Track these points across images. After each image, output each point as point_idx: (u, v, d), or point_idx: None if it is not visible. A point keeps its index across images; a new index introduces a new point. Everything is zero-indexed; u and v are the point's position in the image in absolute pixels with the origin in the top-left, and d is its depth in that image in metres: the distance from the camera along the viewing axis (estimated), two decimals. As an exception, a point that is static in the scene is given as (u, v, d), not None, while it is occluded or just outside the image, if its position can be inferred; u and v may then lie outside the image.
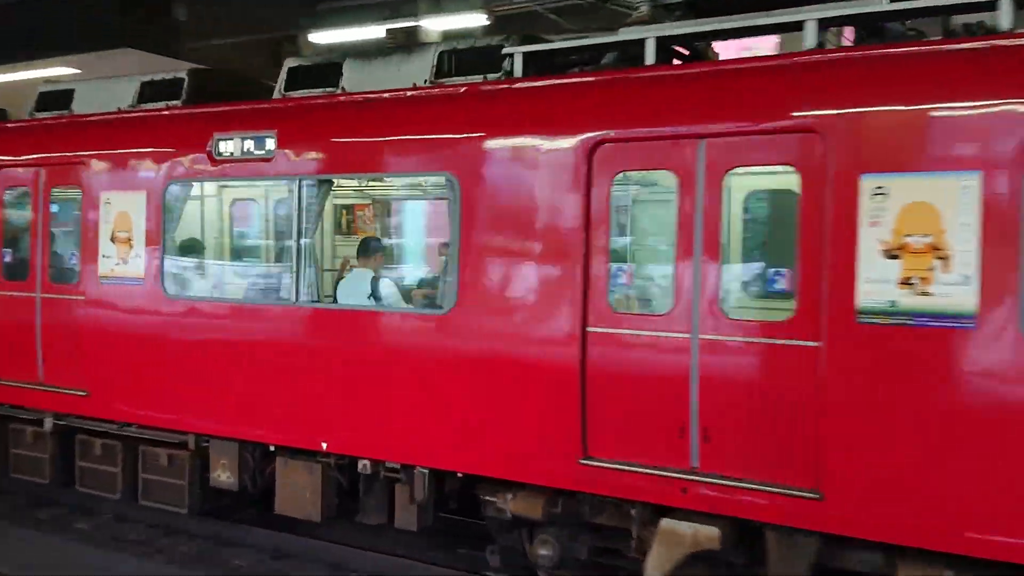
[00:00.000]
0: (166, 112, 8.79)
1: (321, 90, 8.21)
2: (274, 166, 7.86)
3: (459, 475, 7.15)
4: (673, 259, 6.16)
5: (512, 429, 6.71)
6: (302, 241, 7.70)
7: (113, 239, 8.80)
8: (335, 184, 8.25)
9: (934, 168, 5.32)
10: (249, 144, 8.01)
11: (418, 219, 11.25)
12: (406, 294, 8.30)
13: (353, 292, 7.90)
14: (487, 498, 7.14)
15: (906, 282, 5.38)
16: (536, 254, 6.62)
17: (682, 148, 6.10)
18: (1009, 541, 5.13)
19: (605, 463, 6.37)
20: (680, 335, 6.11)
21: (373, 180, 8.33)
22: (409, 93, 7.46)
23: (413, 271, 8.49)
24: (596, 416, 6.41)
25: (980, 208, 5.16)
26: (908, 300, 5.36)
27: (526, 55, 7.12)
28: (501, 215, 6.79)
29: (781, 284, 5.81)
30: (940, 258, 5.27)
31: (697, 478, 6.05)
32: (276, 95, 8.54)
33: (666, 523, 6.25)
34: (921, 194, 5.32)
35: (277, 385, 7.77)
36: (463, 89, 7.24)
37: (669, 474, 6.13)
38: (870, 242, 5.46)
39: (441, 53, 7.71)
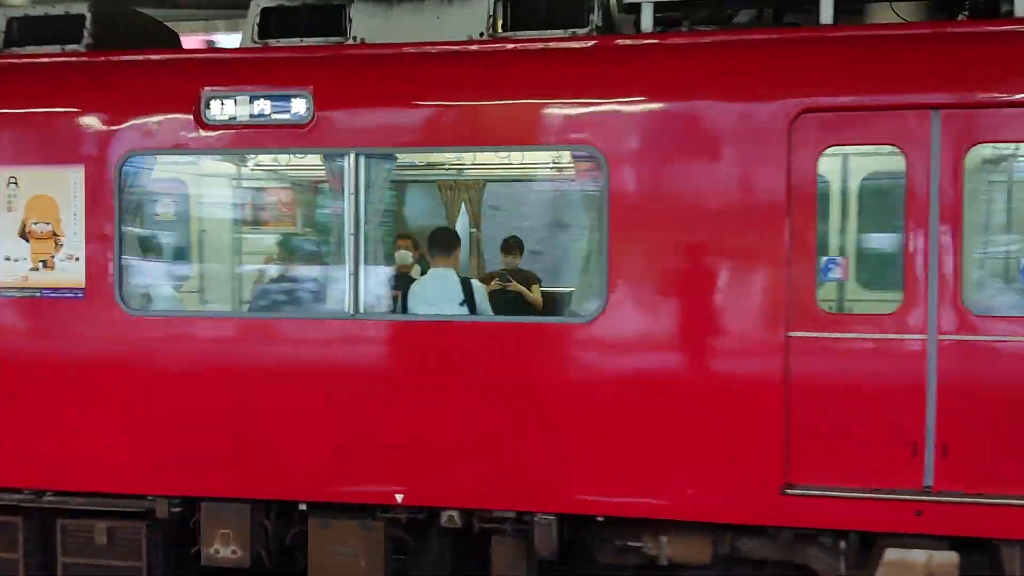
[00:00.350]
0: (120, 58, 6.34)
1: (320, 39, 6.35)
2: (311, 135, 5.91)
3: (599, 519, 5.82)
4: (901, 248, 5.36)
5: (682, 460, 5.54)
6: (361, 235, 5.86)
7: (25, 234, 6.25)
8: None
9: None
10: (263, 105, 5.98)
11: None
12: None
13: (436, 299, 6.12)
14: (628, 543, 5.89)
15: None
16: (715, 246, 5.50)
17: (910, 120, 5.30)
18: None
19: (814, 491, 5.43)
20: (914, 337, 5.32)
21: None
22: (543, 45, 5.86)
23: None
24: (800, 438, 5.44)
25: None
26: None
27: (656, 6, 5.90)
28: (666, 198, 5.54)
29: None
30: None
31: (935, 498, 5.31)
32: (246, 43, 6.51)
33: (893, 553, 5.43)
34: None
35: (321, 425, 5.90)
36: (609, 43, 5.84)
37: (900, 497, 5.34)
38: None
39: (497, 0, 6.23)
